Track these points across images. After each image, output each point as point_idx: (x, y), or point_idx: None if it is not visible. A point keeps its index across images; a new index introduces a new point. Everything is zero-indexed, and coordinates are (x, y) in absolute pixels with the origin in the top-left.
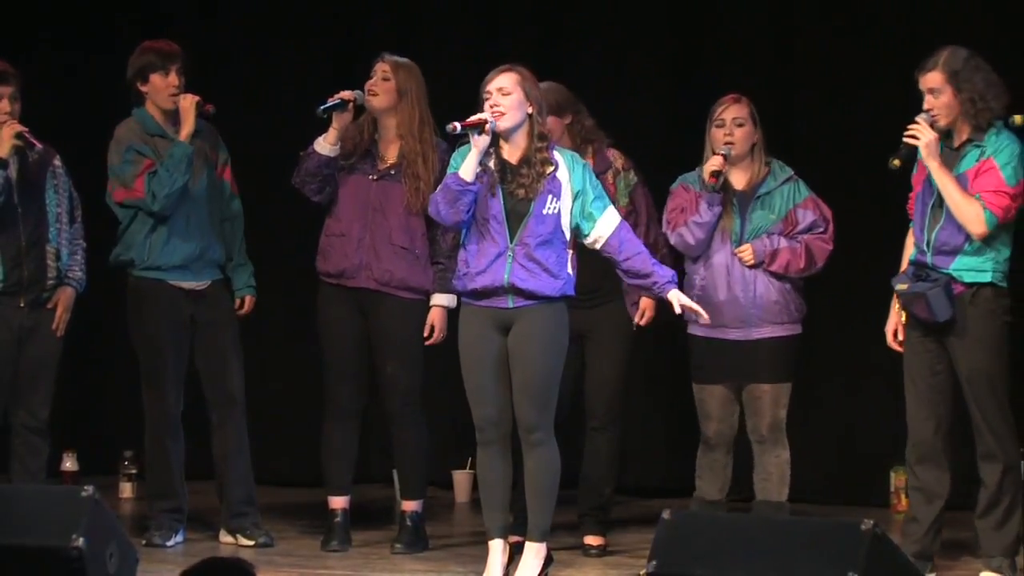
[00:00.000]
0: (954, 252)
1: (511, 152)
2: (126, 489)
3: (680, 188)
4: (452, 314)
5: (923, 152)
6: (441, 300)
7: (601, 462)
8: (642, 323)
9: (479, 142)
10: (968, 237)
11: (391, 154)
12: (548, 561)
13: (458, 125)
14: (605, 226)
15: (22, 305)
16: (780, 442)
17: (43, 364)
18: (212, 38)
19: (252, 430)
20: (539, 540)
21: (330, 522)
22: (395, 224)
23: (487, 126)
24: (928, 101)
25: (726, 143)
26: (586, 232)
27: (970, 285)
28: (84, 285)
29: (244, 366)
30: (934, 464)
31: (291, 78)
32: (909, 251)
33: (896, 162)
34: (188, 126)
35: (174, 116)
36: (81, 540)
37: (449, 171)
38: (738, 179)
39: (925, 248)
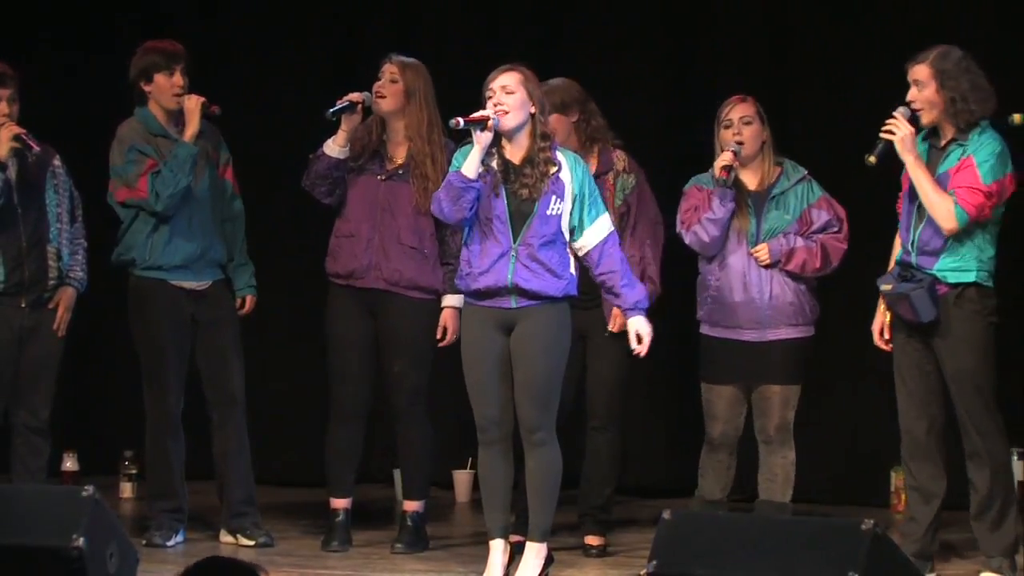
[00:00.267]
0: (937, 252)
1: (514, 152)
2: (126, 489)
3: (693, 188)
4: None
5: (898, 146)
6: (453, 301)
7: (601, 462)
8: (614, 330)
9: (482, 138)
10: (951, 237)
11: (399, 155)
12: (549, 561)
13: (461, 120)
14: (592, 236)
15: (23, 305)
16: (787, 443)
17: (44, 364)
18: (212, 38)
19: (252, 430)
20: (540, 540)
21: (331, 522)
22: (404, 224)
23: (490, 122)
24: (912, 93)
25: (736, 142)
26: (575, 237)
27: (954, 285)
28: (85, 285)
29: (245, 366)
30: (929, 464)
31: (291, 78)
32: (897, 251)
33: (872, 159)
34: (193, 127)
35: (177, 116)
36: (81, 540)
37: (451, 169)
38: (750, 179)
39: (910, 248)
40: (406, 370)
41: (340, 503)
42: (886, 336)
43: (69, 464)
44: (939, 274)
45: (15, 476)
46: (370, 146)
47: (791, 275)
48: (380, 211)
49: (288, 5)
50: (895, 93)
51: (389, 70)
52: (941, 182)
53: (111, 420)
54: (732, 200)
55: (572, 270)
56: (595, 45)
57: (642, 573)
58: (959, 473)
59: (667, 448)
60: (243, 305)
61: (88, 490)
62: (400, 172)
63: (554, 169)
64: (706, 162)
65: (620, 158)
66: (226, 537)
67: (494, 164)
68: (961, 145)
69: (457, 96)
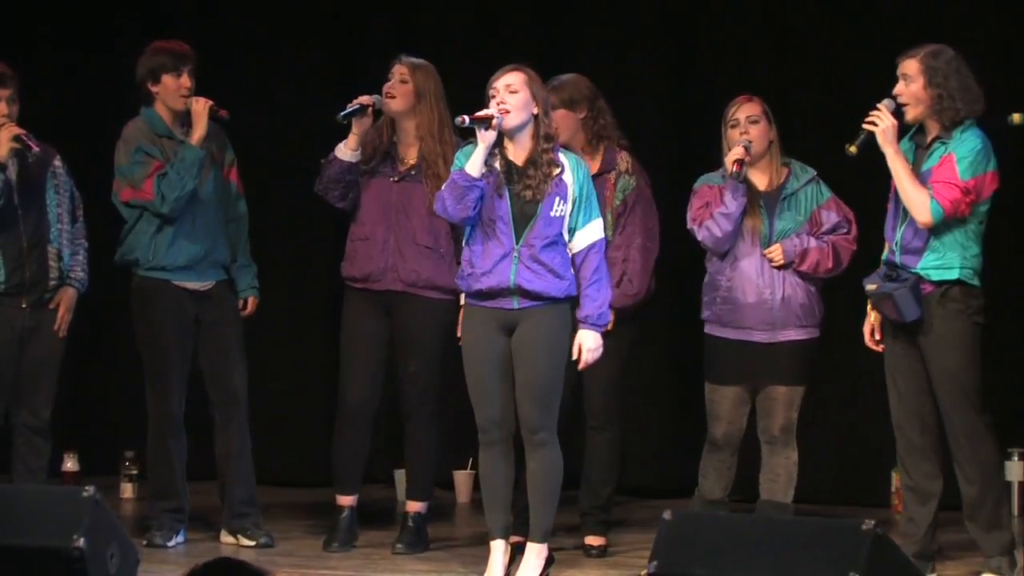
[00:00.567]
0: (920, 251)
1: (516, 153)
2: (127, 489)
3: (704, 187)
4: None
5: (879, 138)
6: None
7: (601, 462)
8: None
9: (486, 137)
10: (932, 235)
11: (411, 156)
12: (549, 561)
13: (467, 118)
14: (581, 240)
15: (24, 306)
16: (790, 444)
17: (45, 364)
18: (212, 38)
19: (253, 430)
20: (540, 541)
21: (336, 520)
22: (418, 225)
23: (494, 121)
24: (899, 87)
25: (746, 140)
26: (568, 239)
27: (938, 284)
28: (86, 285)
29: (247, 366)
30: (925, 463)
31: (291, 78)
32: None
33: (853, 148)
34: (200, 130)
35: (183, 117)
36: (82, 540)
37: (454, 168)
38: (759, 179)
39: (894, 247)
40: (419, 370)
41: (346, 500)
42: (877, 336)
43: (70, 464)
44: (922, 272)
45: (16, 476)
46: (381, 148)
47: (802, 276)
48: (394, 213)
49: (288, 5)
50: None
51: (399, 71)
52: (923, 180)
53: (111, 420)
54: (744, 195)
55: (573, 271)
56: (596, 45)
57: (642, 573)
58: (954, 473)
59: (667, 448)
60: (245, 306)
61: (89, 490)
62: (412, 173)
63: (557, 171)
64: (708, 162)
65: (624, 159)
66: (227, 537)
67: (497, 165)
68: (944, 143)
69: (458, 96)
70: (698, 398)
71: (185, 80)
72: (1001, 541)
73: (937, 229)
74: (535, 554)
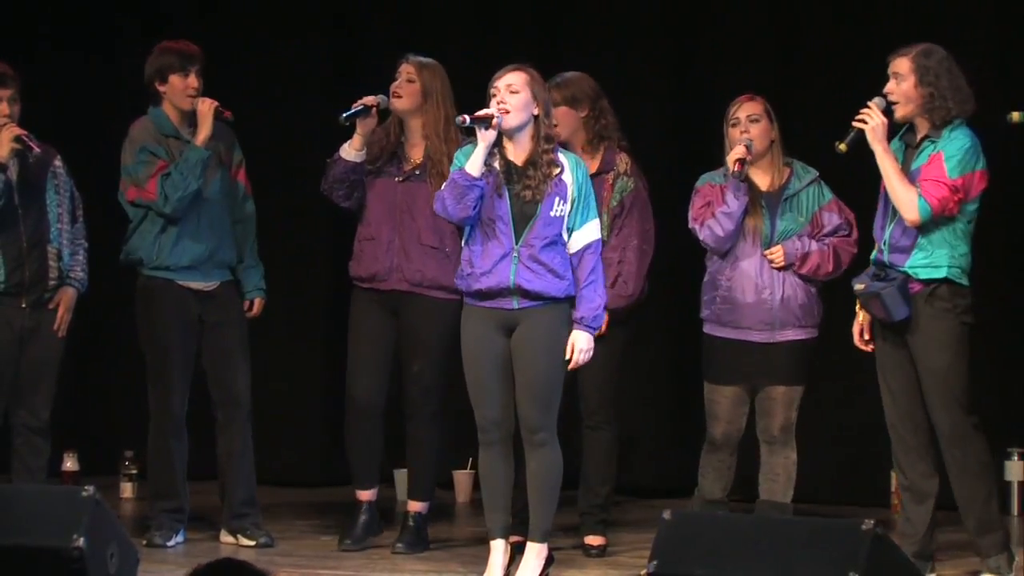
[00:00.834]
0: (908, 249)
1: (516, 153)
2: (127, 489)
3: (706, 186)
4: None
5: (868, 135)
6: None
7: (599, 462)
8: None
9: (486, 136)
10: (919, 233)
11: (417, 155)
12: (549, 561)
13: (467, 118)
14: (578, 240)
15: (24, 306)
16: (789, 443)
17: (44, 364)
18: (212, 38)
19: (254, 430)
20: (540, 540)
21: (355, 516)
22: (423, 225)
23: (494, 120)
24: (890, 85)
25: (747, 139)
26: (565, 239)
27: (926, 283)
28: (86, 285)
29: (251, 367)
30: (920, 463)
31: (291, 78)
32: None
33: (842, 146)
34: (205, 131)
35: (190, 117)
36: (82, 540)
37: (453, 168)
38: (761, 179)
39: (882, 246)
40: (423, 370)
41: (364, 495)
42: (866, 336)
43: (69, 464)
44: (910, 271)
45: (15, 476)
46: (388, 148)
47: (802, 277)
48: (399, 213)
49: (288, 5)
50: None
51: (406, 70)
52: (912, 179)
53: (111, 420)
54: (746, 194)
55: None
56: (596, 45)
57: (642, 573)
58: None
59: (667, 448)
60: (251, 307)
61: (88, 490)
62: (417, 173)
63: (557, 171)
64: (708, 162)
65: (624, 160)
66: (226, 537)
67: (496, 165)
68: (933, 142)
69: (459, 96)
70: (697, 398)
71: (192, 80)
72: (995, 540)
73: (926, 228)
74: (535, 554)
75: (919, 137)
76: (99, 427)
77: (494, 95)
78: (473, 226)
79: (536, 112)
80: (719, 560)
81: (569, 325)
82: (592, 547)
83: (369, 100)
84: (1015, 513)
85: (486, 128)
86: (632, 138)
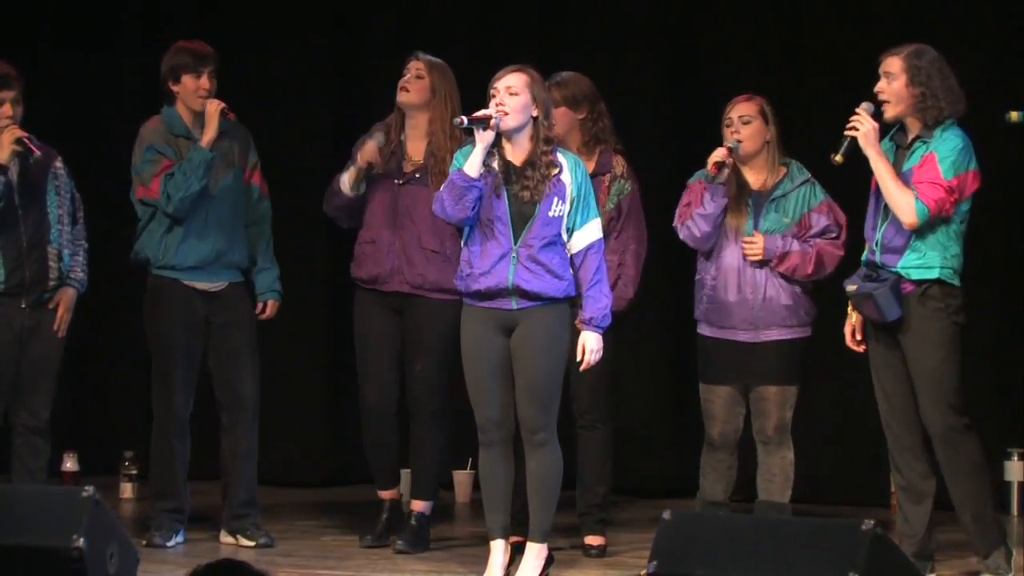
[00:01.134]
0: (900, 250)
1: (515, 154)
2: (127, 489)
3: (696, 182)
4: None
5: (861, 141)
6: None
7: (594, 462)
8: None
9: (484, 137)
10: (912, 234)
11: (417, 153)
12: (549, 561)
13: (465, 119)
14: (580, 239)
15: (23, 306)
16: (785, 443)
17: (44, 364)
18: (212, 38)
19: None
20: (540, 541)
21: (377, 515)
22: (424, 228)
23: (492, 122)
24: (880, 84)
25: (735, 140)
26: (564, 239)
27: (918, 283)
28: (85, 286)
29: (258, 369)
30: (917, 463)
31: (291, 78)
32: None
33: (838, 158)
34: (211, 132)
35: (202, 118)
36: (82, 540)
37: (452, 168)
38: (754, 179)
39: (874, 247)
40: (426, 369)
41: (385, 494)
42: (858, 337)
43: (69, 464)
44: (903, 272)
45: (15, 476)
46: (388, 146)
47: (786, 277)
48: (399, 216)
49: (288, 5)
50: None
51: (415, 66)
52: (905, 180)
53: (111, 420)
54: (724, 196)
55: (572, 271)
56: (596, 46)
57: (642, 573)
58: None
59: (667, 448)
60: (264, 309)
61: (88, 490)
62: (417, 176)
63: (555, 171)
64: (705, 163)
65: (620, 163)
66: (226, 538)
67: (495, 165)
68: (925, 142)
69: (462, 97)
70: (696, 398)
71: (204, 81)
72: (991, 539)
73: (920, 229)
74: (535, 554)
75: (910, 138)
76: (99, 427)
77: (493, 96)
78: (472, 227)
79: (535, 114)
80: (719, 560)
81: (569, 325)
82: (592, 547)
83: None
84: (1015, 513)
85: (484, 129)
86: (630, 139)
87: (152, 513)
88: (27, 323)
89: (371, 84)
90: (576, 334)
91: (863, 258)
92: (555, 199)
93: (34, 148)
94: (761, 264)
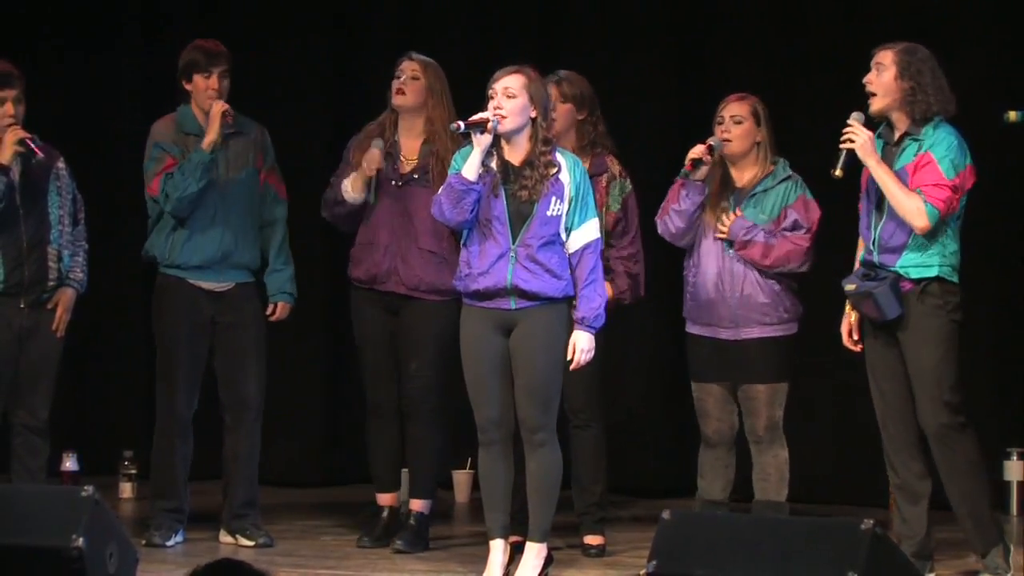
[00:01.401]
0: (898, 249)
1: (513, 154)
2: (126, 489)
3: (678, 180)
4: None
5: (860, 153)
6: None
7: (588, 461)
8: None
9: (482, 141)
10: (910, 233)
11: (413, 153)
12: (548, 561)
13: (462, 124)
14: (577, 239)
15: (22, 306)
16: (777, 442)
17: (43, 364)
18: (212, 38)
19: None
20: (540, 540)
21: (375, 518)
22: (422, 229)
23: (489, 125)
24: (869, 76)
25: (722, 139)
26: (563, 239)
27: (917, 281)
28: (85, 286)
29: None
30: (913, 463)
31: (291, 79)
32: (860, 251)
33: (839, 172)
34: (211, 133)
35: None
36: (81, 540)
37: (451, 171)
38: (740, 177)
39: (872, 247)
40: (421, 368)
41: (384, 499)
42: (855, 336)
43: (69, 464)
44: (902, 270)
45: (14, 476)
46: (384, 148)
47: (764, 274)
48: (397, 217)
49: (288, 5)
50: None
51: (410, 67)
52: (899, 178)
53: (111, 420)
54: (700, 194)
55: (570, 270)
56: (595, 46)
57: (642, 573)
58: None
59: (667, 448)
60: (274, 311)
61: (88, 490)
62: (415, 176)
63: (554, 170)
64: None
65: (615, 163)
66: (226, 537)
67: (493, 165)
68: (916, 140)
69: (457, 96)
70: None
71: (214, 81)
72: (989, 538)
73: (929, 230)
74: (534, 554)
75: (898, 134)
76: (99, 427)
77: (492, 97)
78: (470, 227)
79: (533, 115)
80: (718, 560)
81: (567, 325)
82: (591, 547)
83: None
84: (1014, 513)
85: (481, 133)
86: (632, 137)
87: (152, 512)
88: (26, 323)
89: (370, 85)
90: None
91: (860, 257)
92: (553, 198)
93: (36, 149)
94: (730, 244)
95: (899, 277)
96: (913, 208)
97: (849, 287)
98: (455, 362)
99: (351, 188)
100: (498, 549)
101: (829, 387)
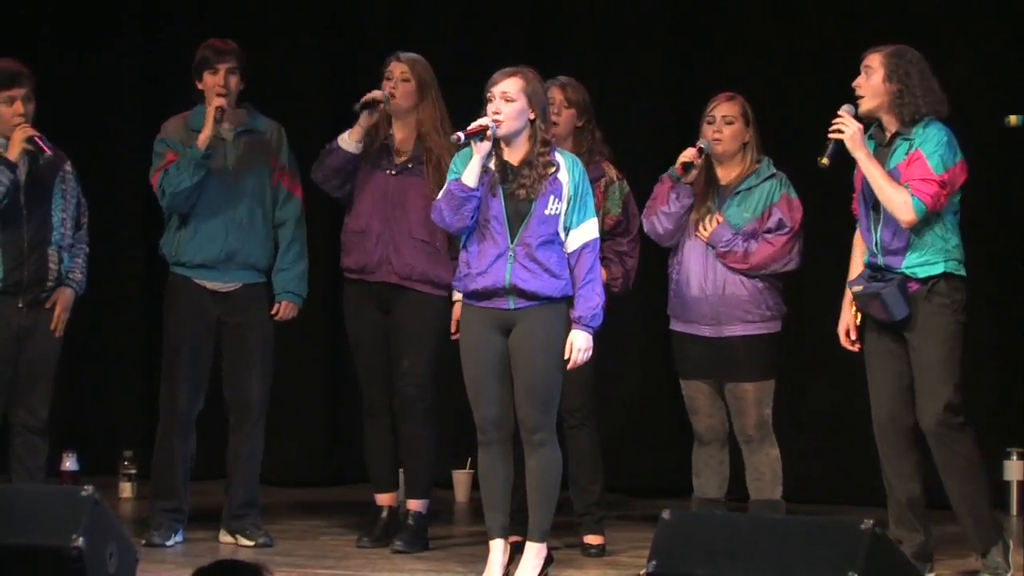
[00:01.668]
0: (902, 250)
1: (512, 154)
2: (126, 489)
3: (666, 179)
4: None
5: (848, 144)
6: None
7: (585, 460)
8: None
9: (481, 148)
10: (911, 234)
11: (407, 145)
12: (548, 561)
13: (462, 135)
14: (576, 239)
15: (20, 305)
16: (768, 440)
17: (42, 364)
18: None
19: None
20: (540, 540)
21: (374, 518)
22: (415, 218)
23: (488, 132)
24: (859, 79)
25: (713, 139)
26: (562, 238)
27: (925, 281)
28: (84, 288)
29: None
30: (907, 465)
31: (287, 79)
32: (857, 251)
33: (824, 161)
34: (206, 130)
35: (229, 114)
36: (81, 540)
37: (450, 176)
38: (726, 175)
39: (875, 249)
40: (414, 366)
41: (383, 499)
42: (852, 337)
43: (69, 464)
44: (908, 271)
45: (14, 476)
46: (377, 140)
47: (747, 273)
48: (391, 206)
49: (286, 5)
50: None
51: (399, 68)
52: (891, 177)
53: (111, 420)
54: (689, 196)
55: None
56: (594, 45)
57: (642, 573)
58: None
59: (665, 447)
60: (279, 310)
61: (88, 490)
62: (410, 166)
63: (552, 170)
64: None
65: (610, 167)
66: (226, 537)
67: (491, 165)
68: (907, 139)
69: (453, 96)
70: None
71: (219, 78)
72: (988, 537)
73: (916, 227)
74: (534, 554)
75: (889, 135)
76: (99, 427)
77: (490, 100)
78: (471, 231)
79: (532, 116)
80: (718, 560)
81: (566, 324)
82: (591, 546)
83: (379, 95)
84: (1014, 513)
85: (480, 140)
86: (625, 138)
87: (152, 512)
88: (24, 322)
89: (367, 84)
90: None
91: (866, 260)
92: (551, 197)
93: (45, 147)
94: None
95: (906, 278)
96: (900, 201)
97: (856, 288)
98: (449, 358)
99: (348, 136)
100: (498, 549)
101: (828, 387)
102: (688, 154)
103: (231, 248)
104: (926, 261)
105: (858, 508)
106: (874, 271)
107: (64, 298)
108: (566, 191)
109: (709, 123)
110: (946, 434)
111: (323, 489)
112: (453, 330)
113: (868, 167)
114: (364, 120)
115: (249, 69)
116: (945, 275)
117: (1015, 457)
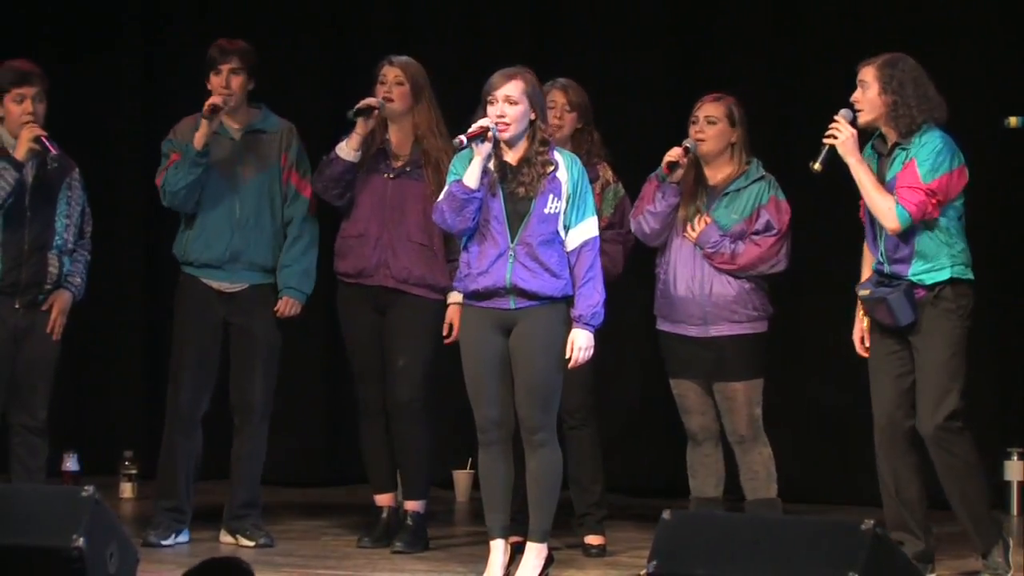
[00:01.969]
0: (907, 259)
1: (511, 154)
2: (126, 489)
3: (653, 179)
4: None
5: (840, 149)
6: (458, 298)
7: (585, 460)
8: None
9: (482, 150)
10: (915, 241)
11: (404, 148)
12: (549, 561)
13: (464, 139)
14: (576, 237)
15: (17, 306)
16: (760, 439)
17: (41, 365)
18: (212, 38)
19: None
20: (540, 540)
21: (374, 519)
22: (413, 222)
23: (489, 134)
24: (856, 94)
25: (696, 139)
26: (562, 237)
27: (931, 287)
28: (82, 291)
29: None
30: (906, 468)
31: (289, 78)
32: (866, 259)
33: (817, 166)
34: (201, 129)
35: (235, 114)
36: (81, 540)
37: (450, 178)
38: (714, 176)
39: (881, 258)
40: (409, 367)
41: (383, 499)
42: (867, 343)
43: (69, 464)
44: (915, 279)
45: (14, 476)
46: (374, 145)
47: (733, 273)
48: (388, 210)
49: (286, 5)
50: None
51: (393, 73)
52: (889, 188)
53: (111, 420)
54: (675, 196)
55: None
56: (593, 45)
57: (642, 573)
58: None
59: (665, 447)
60: (281, 306)
61: (88, 490)
62: (407, 170)
63: (550, 168)
64: None
65: (606, 169)
66: (226, 537)
67: (490, 165)
68: (904, 149)
69: (452, 97)
70: None
71: (221, 79)
72: (988, 537)
73: (918, 234)
74: (535, 554)
75: (890, 145)
76: (99, 427)
77: (491, 103)
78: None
79: (533, 117)
80: (719, 560)
81: (567, 324)
82: (592, 547)
83: (373, 102)
84: (1015, 513)
85: (481, 142)
86: (623, 138)
87: (154, 511)
88: (21, 323)
89: (367, 85)
90: None
91: (873, 267)
92: (551, 196)
93: (51, 147)
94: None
95: (913, 285)
96: (884, 208)
97: (863, 292)
98: (446, 359)
99: (346, 145)
100: (498, 549)
101: (827, 387)
102: (673, 153)
103: (236, 248)
104: (932, 268)
105: (858, 508)
106: (881, 277)
107: (61, 301)
108: (565, 189)
109: (693, 123)
110: (944, 438)
111: (324, 489)
112: (444, 332)
113: (858, 172)
114: (360, 127)
115: (258, 67)
116: (952, 281)
117: (1015, 457)
